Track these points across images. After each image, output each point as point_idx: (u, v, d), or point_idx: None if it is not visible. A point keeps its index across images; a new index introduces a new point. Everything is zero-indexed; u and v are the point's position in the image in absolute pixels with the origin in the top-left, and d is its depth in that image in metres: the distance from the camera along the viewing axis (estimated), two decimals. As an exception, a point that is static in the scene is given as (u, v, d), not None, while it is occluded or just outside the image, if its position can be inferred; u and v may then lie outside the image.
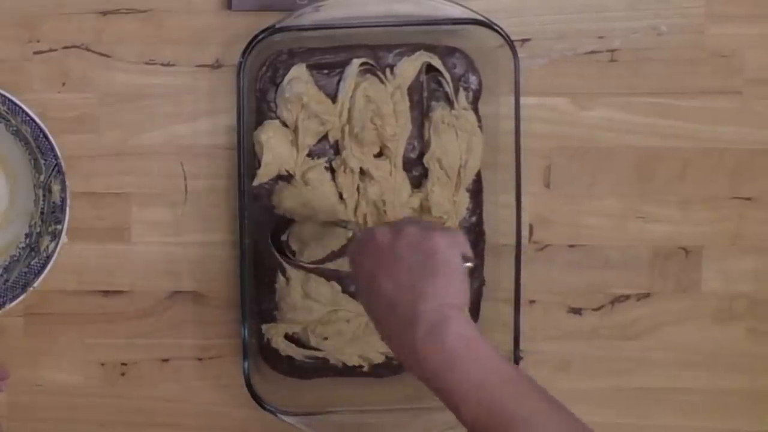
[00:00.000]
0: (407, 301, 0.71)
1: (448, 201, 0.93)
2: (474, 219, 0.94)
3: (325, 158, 0.93)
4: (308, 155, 0.92)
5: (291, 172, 0.92)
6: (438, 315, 0.70)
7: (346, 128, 0.92)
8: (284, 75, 0.91)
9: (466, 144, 0.92)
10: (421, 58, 0.92)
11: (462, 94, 0.93)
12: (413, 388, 0.94)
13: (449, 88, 0.92)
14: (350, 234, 0.90)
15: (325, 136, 0.93)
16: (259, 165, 0.91)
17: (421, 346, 0.70)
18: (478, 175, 0.94)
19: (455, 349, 0.69)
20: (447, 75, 0.93)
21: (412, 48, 0.92)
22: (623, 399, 0.97)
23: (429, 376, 0.70)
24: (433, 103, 0.93)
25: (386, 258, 0.73)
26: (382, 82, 0.92)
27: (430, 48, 0.93)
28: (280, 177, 0.93)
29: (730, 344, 0.97)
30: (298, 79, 0.91)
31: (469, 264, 0.74)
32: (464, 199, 0.94)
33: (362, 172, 0.92)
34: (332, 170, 0.93)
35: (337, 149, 0.93)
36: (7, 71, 0.94)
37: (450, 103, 0.93)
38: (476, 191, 0.94)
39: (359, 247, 0.77)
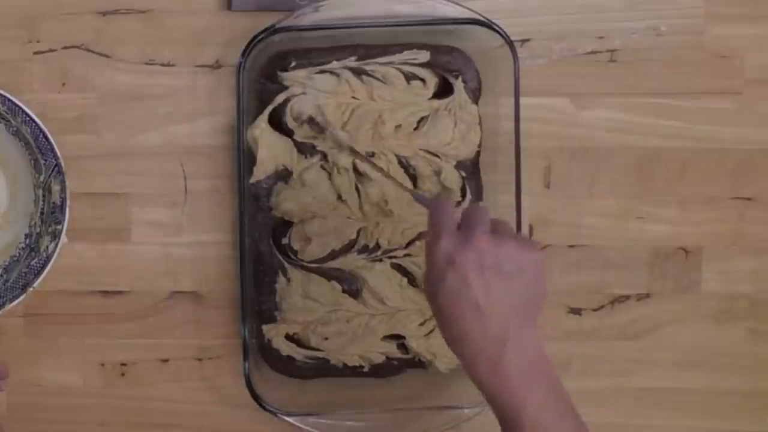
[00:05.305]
0: (499, 314, 0.73)
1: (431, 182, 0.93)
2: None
3: (318, 156, 0.93)
4: (299, 151, 0.92)
5: (289, 167, 0.92)
6: (525, 336, 0.73)
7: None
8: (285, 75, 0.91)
9: (462, 135, 0.92)
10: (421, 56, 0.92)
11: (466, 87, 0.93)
12: (413, 388, 0.95)
13: (452, 80, 0.92)
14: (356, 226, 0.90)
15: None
16: (257, 164, 0.92)
17: (507, 362, 0.73)
18: (478, 174, 0.94)
19: (526, 376, 0.73)
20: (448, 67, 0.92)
21: (411, 48, 0.92)
22: (623, 399, 0.97)
23: (496, 393, 0.73)
24: None
25: (484, 265, 0.73)
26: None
27: (429, 48, 0.93)
28: (279, 177, 0.92)
29: (730, 344, 0.97)
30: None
31: None
32: (454, 177, 0.93)
33: (359, 172, 0.92)
34: (329, 172, 0.93)
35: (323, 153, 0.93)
36: (7, 71, 0.94)
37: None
38: (476, 190, 0.94)
39: (459, 246, 0.75)
